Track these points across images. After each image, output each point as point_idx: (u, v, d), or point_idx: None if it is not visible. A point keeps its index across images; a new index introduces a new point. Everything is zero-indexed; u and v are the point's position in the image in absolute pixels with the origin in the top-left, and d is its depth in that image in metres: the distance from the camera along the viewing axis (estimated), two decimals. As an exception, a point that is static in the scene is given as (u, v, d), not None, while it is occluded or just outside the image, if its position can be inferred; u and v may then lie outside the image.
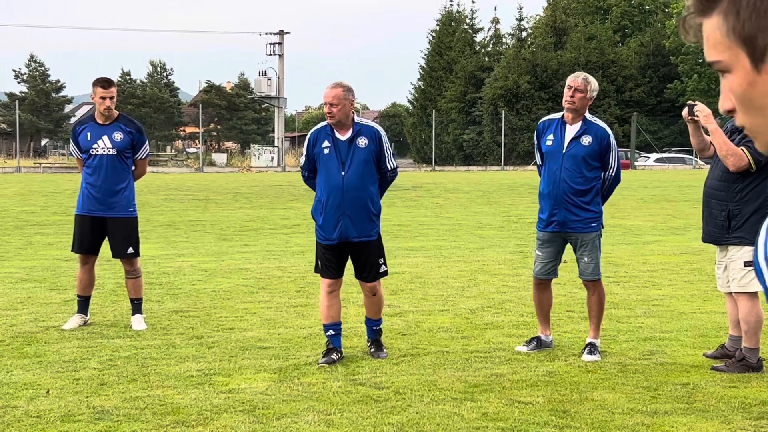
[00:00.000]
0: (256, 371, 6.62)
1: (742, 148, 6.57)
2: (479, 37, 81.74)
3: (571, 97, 7.03)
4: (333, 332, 7.05)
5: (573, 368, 6.73)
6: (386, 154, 7.07)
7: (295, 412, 5.63)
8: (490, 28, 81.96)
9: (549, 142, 7.17)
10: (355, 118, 7.05)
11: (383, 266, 7.18)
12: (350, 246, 7.03)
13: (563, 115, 7.19)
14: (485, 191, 30.85)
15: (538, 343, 7.33)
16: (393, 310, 8.93)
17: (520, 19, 79.68)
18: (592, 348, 7.06)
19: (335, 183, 6.93)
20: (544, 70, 70.68)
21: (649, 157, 61.71)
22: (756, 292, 6.70)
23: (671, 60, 73.42)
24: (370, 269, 7.11)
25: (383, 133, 7.12)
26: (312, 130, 7.15)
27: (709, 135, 6.82)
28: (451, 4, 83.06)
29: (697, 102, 6.84)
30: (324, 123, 7.08)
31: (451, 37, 79.25)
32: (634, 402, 5.86)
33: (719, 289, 7.05)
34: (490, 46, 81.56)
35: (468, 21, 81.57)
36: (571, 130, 7.11)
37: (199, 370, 6.65)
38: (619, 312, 8.92)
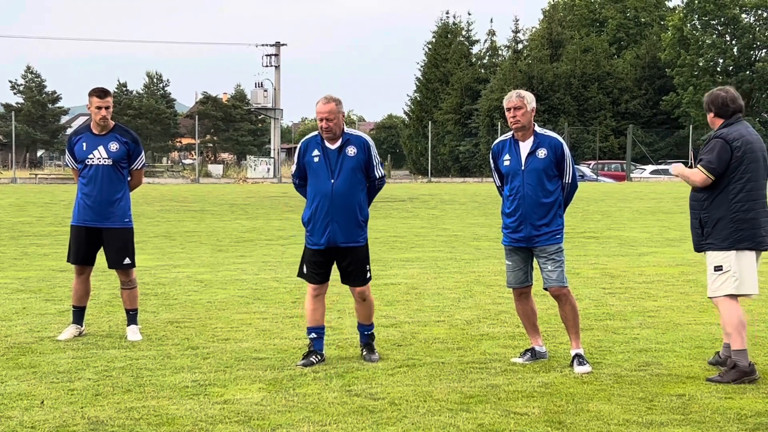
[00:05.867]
0: (251, 382, 6.61)
1: (698, 166, 6.89)
2: (475, 49, 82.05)
3: (513, 117, 7.12)
4: (315, 335, 7.27)
5: (569, 379, 6.73)
6: (374, 163, 7.30)
7: (290, 423, 5.62)
8: (486, 40, 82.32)
9: (507, 162, 7.24)
10: (345, 128, 7.27)
11: (368, 272, 7.38)
12: (337, 251, 7.25)
13: (513, 134, 7.26)
14: (481, 203, 30.88)
15: (533, 354, 7.34)
16: (389, 321, 8.92)
17: (516, 31, 79.98)
18: (580, 359, 7.07)
19: (324, 190, 7.16)
20: (540, 82, 70.81)
21: (644, 169, 61.80)
22: (735, 295, 6.80)
23: (667, 72, 73.62)
24: (357, 274, 7.30)
25: (371, 142, 7.35)
26: (302, 140, 7.38)
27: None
28: (448, 17, 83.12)
29: (671, 164, 7.19)
30: (314, 133, 7.34)
31: (448, 49, 79.46)
32: (629, 413, 5.86)
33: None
34: (486, 58, 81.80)
35: (464, 33, 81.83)
36: (525, 147, 7.18)
37: (195, 380, 6.63)
38: (615, 323, 8.92)
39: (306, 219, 7.29)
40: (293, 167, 7.45)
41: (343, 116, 7.28)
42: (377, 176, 7.35)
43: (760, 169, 6.90)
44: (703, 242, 6.96)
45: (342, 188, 7.15)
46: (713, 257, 6.88)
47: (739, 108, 7.04)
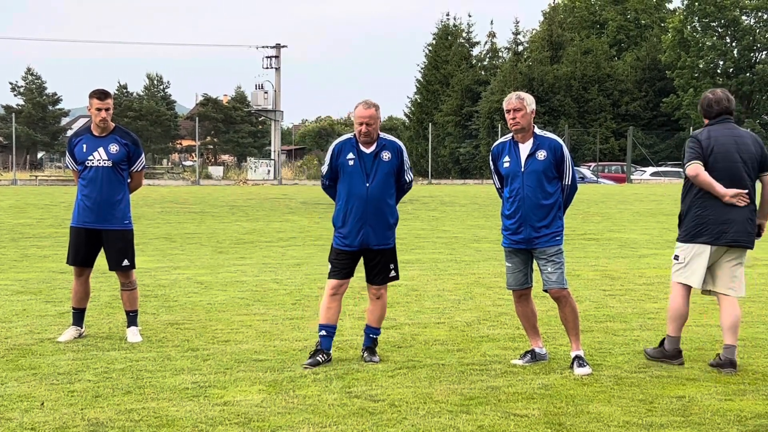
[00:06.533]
0: (251, 384, 6.61)
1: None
2: (475, 51, 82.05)
3: (513, 119, 7.13)
4: (325, 333, 7.33)
5: (569, 381, 6.73)
6: (405, 168, 7.49)
7: (290, 425, 5.62)
8: (486, 42, 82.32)
9: (506, 164, 7.25)
10: (380, 133, 7.39)
11: (393, 272, 7.57)
12: (368, 252, 7.42)
13: (513, 136, 7.27)
14: (481, 204, 30.89)
15: (533, 356, 7.34)
16: (389, 323, 8.92)
17: (517, 33, 79.99)
18: (580, 361, 7.07)
19: (359, 193, 7.29)
20: (541, 84, 70.82)
21: (645, 171, 61.80)
22: (686, 285, 7.32)
23: (667, 74, 73.63)
24: (381, 273, 7.48)
25: (404, 147, 7.52)
26: (336, 142, 7.50)
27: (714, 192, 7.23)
28: (448, 18, 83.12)
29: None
30: (348, 135, 7.45)
31: (448, 50, 79.47)
32: (629, 415, 5.86)
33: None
34: (487, 59, 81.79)
35: (464, 35, 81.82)
36: (524, 149, 7.19)
37: (195, 382, 6.64)
38: (615, 325, 8.92)
39: (339, 221, 7.41)
40: (324, 168, 7.52)
41: (380, 121, 7.38)
42: (407, 180, 7.54)
43: (730, 169, 7.14)
44: (679, 233, 7.47)
45: (376, 192, 7.29)
46: (677, 247, 7.44)
47: (724, 109, 7.31)
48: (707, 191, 7.13)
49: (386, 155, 7.34)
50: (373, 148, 7.33)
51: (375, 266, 7.46)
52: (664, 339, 7.44)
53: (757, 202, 7.38)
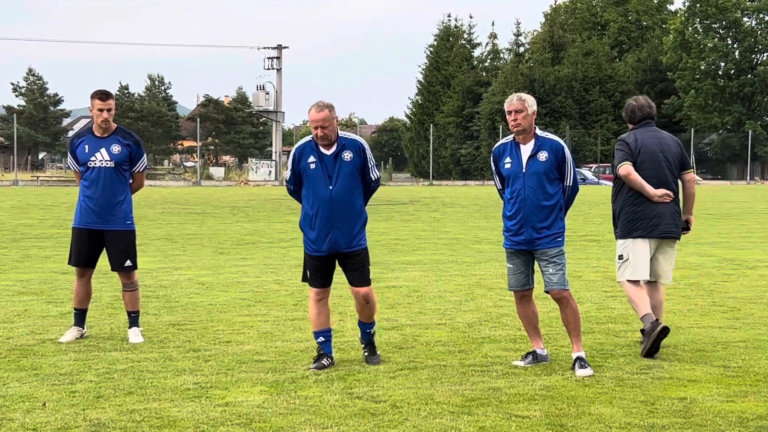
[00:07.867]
0: (252, 384, 6.62)
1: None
2: (477, 52, 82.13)
3: (515, 120, 7.13)
4: (323, 338, 7.28)
5: (570, 382, 6.73)
6: (370, 166, 7.29)
7: (291, 426, 5.62)
8: (487, 44, 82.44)
9: (507, 165, 7.24)
10: (339, 132, 7.20)
11: (368, 273, 7.42)
12: (339, 256, 7.26)
13: (514, 137, 7.26)
14: (482, 205, 30.89)
15: (534, 357, 7.34)
16: (390, 324, 8.92)
17: (518, 35, 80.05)
18: (581, 362, 7.06)
19: (323, 197, 7.13)
20: (542, 85, 70.82)
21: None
22: (637, 281, 7.72)
23: (668, 76, 73.64)
24: (360, 275, 7.31)
25: (366, 145, 7.32)
26: (296, 145, 7.31)
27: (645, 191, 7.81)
28: (449, 20, 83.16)
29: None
30: (308, 138, 7.27)
31: (449, 52, 79.55)
32: (631, 416, 5.86)
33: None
34: (488, 61, 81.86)
35: (466, 36, 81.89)
36: (526, 150, 7.18)
37: (196, 383, 6.64)
38: (617, 326, 8.93)
39: (305, 225, 7.27)
40: (287, 173, 7.39)
41: (337, 121, 7.21)
42: (373, 179, 7.33)
43: (656, 168, 7.77)
44: (615, 231, 7.97)
45: (341, 194, 7.11)
46: (618, 246, 7.90)
47: (646, 115, 7.98)
48: (638, 190, 7.72)
49: (347, 155, 7.14)
50: (333, 149, 7.13)
51: (351, 269, 7.28)
52: (642, 330, 7.71)
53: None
